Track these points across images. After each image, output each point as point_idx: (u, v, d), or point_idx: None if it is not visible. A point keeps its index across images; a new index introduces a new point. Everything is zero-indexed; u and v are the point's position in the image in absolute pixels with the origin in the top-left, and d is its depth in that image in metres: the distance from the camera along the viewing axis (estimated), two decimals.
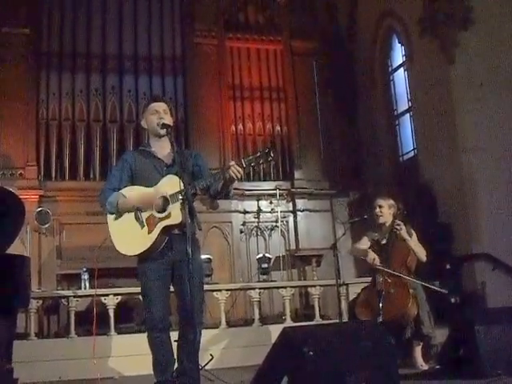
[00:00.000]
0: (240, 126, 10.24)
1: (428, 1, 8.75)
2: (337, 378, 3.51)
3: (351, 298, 6.72)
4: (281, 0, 10.83)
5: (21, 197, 5.17)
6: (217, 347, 6.33)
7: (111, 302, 6.58)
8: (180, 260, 3.67)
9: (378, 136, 10.71)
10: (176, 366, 3.85)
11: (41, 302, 6.71)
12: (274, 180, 10.06)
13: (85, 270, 7.03)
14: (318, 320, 7.20)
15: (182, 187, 3.57)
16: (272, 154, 3.71)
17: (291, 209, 10.06)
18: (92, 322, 5.30)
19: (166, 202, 3.70)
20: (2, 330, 4.36)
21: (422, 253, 5.29)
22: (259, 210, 9.52)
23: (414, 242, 5.28)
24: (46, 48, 9.46)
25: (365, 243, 5.50)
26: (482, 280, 8.03)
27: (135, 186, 3.86)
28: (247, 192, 9.79)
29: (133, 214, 3.77)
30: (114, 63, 9.70)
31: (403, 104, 10.40)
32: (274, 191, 9.44)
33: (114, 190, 3.85)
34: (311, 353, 3.43)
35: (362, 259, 5.36)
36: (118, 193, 3.81)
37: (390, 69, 10.84)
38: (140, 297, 4.04)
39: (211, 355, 5.23)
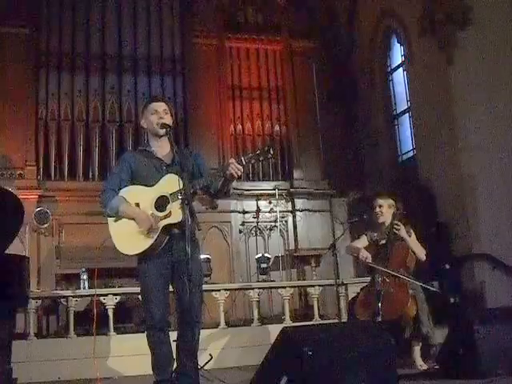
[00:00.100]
0: (239, 126, 10.25)
1: (427, 1, 8.75)
2: (336, 378, 3.51)
3: (350, 297, 6.71)
4: (280, 0, 10.84)
5: (20, 197, 5.15)
6: (216, 347, 6.34)
7: (110, 302, 6.57)
8: (180, 260, 3.67)
9: (377, 136, 10.71)
10: (175, 365, 3.85)
11: (40, 301, 6.70)
12: (273, 180, 10.07)
13: (84, 269, 7.02)
14: (317, 320, 7.19)
15: (182, 186, 3.57)
16: (271, 152, 3.71)
17: (290, 209, 10.07)
18: (91, 321, 5.29)
19: (166, 200, 3.70)
20: (1, 330, 4.35)
21: (421, 252, 5.29)
22: (258, 210, 9.52)
23: (413, 241, 5.28)
24: (46, 48, 9.46)
25: (363, 242, 5.51)
26: (482, 280, 8.03)
27: (135, 186, 3.86)
28: (246, 192, 9.79)
29: None
30: (114, 63, 9.71)
31: (402, 104, 10.41)
32: (273, 191, 9.44)
33: (114, 190, 3.85)
34: (310, 353, 3.42)
35: (355, 257, 5.36)
36: (120, 197, 3.81)
37: (389, 69, 10.84)
38: (139, 296, 4.03)
39: (210, 355, 5.25)
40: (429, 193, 9.00)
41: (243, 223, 9.86)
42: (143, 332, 3.92)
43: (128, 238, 3.76)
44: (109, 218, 3.85)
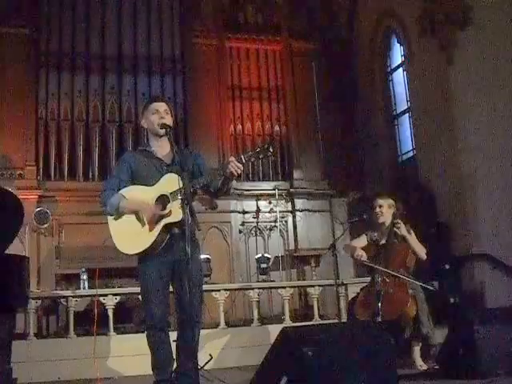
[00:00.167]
0: (239, 126, 10.24)
1: (427, 1, 8.75)
2: (336, 378, 3.51)
3: (350, 298, 6.71)
4: (280, 0, 10.83)
5: (20, 197, 5.15)
6: (216, 347, 6.34)
7: (110, 302, 6.57)
8: (180, 259, 3.67)
9: (377, 136, 10.71)
10: (175, 365, 3.85)
11: (40, 301, 6.69)
12: (273, 180, 10.07)
13: (83, 270, 7.02)
14: (316, 320, 7.19)
15: (182, 185, 3.57)
16: (271, 149, 3.71)
17: (290, 209, 10.07)
18: (91, 322, 5.30)
19: (166, 199, 3.70)
20: (1, 330, 4.35)
21: (421, 250, 5.29)
22: (258, 210, 9.52)
23: (413, 239, 5.29)
24: (46, 48, 9.45)
25: (362, 241, 5.51)
26: (482, 280, 8.03)
27: (135, 186, 3.87)
28: (246, 192, 9.79)
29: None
30: (114, 63, 9.70)
31: (402, 104, 10.41)
32: (273, 191, 9.44)
33: (114, 190, 3.86)
34: (310, 353, 3.42)
35: (350, 255, 5.37)
36: (119, 194, 3.82)
37: (389, 69, 10.84)
38: (139, 297, 4.03)
39: (210, 355, 5.25)
40: (429, 193, 9.00)
41: (243, 223, 9.86)
42: (143, 332, 3.92)
43: (128, 237, 3.76)
44: (109, 218, 3.85)
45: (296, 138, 10.41)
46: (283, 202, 9.80)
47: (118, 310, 6.69)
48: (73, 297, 6.61)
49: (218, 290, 7.02)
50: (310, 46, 10.85)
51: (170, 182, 3.70)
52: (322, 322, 7.12)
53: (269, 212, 9.64)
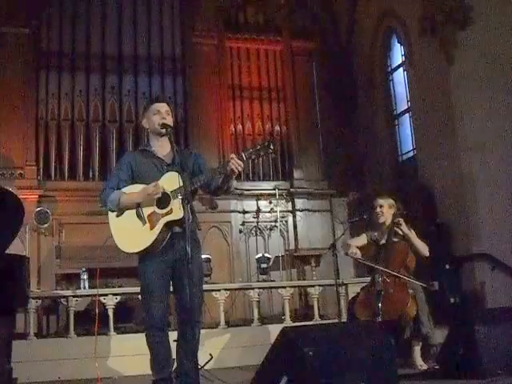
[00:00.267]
0: (239, 126, 10.24)
1: (428, 1, 8.75)
2: (336, 378, 3.51)
3: (350, 297, 6.71)
4: (280, 0, 10.83)
5: (20, 196, 5.15)
6: (216, 347, 6.33)
7: (110, 302, 6.57)
8: (181, 259, 3.67)
9: (378, 136, 10.71)
10: (175, 365, 3.85)
11: (40, 301, 6.69)
12: (274, 180, 10.07)
13: (84, 269, 7.02)
14: (317, 320, 7.19)
15: (182, 184, 3.58)
16: (272, 147, 3.72)
17: (290, 209, 10.07)
18: (91, 321, 5.30)
19: (167, 198, 3.71)
20: (1, 330, 4.35)
21: (424, 247, 5.30)
22: (258, 210, 9.52)
23: (415, 237, 5.30)
24: (46, 48, 9.46)
25: (362, 240, 5.53)
26: (482, 280, 8.02)
27: (136, 185, 3.88)
28: (246, 192, 9.79)
29: (134, 211, 3.79)
30: (114, 63, 9.71)
31: (403, 104, 10.41)
32: (274, 191, 9.44)
33: (114, 189, 3.87)
34: (310, 353, 3.43)
35: (345, 253, 5.37)
36: (120, 191, 3.83)
37: (389, 69, 10.84)
38: (139, 296, 4.03)
39: (210, 355, 5.24)
40: (429, 193, 8.99)
41: (243, 223, 9.86)
42: (143, 332, 3.92)
43: (129, 236, 3.77)
44: (110, 217, 3.86)
45: (296, 138, 10.42)
46: (283, 201, 9.81)
47: (118, 310, 6.70)
48: (73, 296, 6.61)
49: (219, 290, 7.02)
50: (311, 46, 10.86)
51: (171, 181, 3.70)
52: (322, 321, 7.12)
53: (269, 212, 9.65)
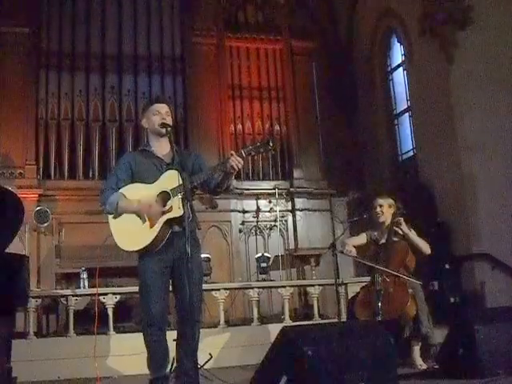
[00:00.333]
0: (239, 126, 10.23)
1: (427, 0, 8.75)
2: (335, 378, 3.51)
3: (350, 297, 6.71)
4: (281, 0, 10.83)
5: (20, 196, 5.15)
6: (216, 346, 6.33)
7: (110, 301, 6.57)
8: (180, 258, 3.68)
9: (377, 135, 10.72)
10: (175, 365, 3.85)
11: (40, 300, 6.69)
12: (273, 179, 10.06)
13: (83, 268, 7.02)
14: (316, 319, 7.19)
15: (181, 182, 3.59)
16: (271, 144, 3.73)
17: (290, 208, 10.06)
18: (91, 321, 5.29)
19: (167, 196, 3.71)
20: (1, 329, 4.35)
21: (425, 245, 5.30)
22: (258, 210, 9.51)
23: (415, 235, 5.30)
24: (46, 47, 9.45)
25: (362, 239, 5.54)
26: (482, 280, 8.03)
27: (136, 184, 3.88)
28: (246, 191, 9.78)
29: None
30: (114, 63, 9.69)
31: (402, 103, 10.42)
32: (273, 190, 9.42)
33: (114, 189, 3.87)
34: (310, 352, 3.42)
35: (339, 251, 5.38)
36: (119, 193, 3.83)
37: (389, 68, 10.85)
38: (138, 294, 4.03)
39: (210, 354, 5.24)
40: (429, 192, 9.00)
41: (243, 222, 9.85)
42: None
43: (129, 234, 3.77)
44: (109, 215, 3.86)
45: (296, 138, 10.40)
46: (283, 201, 9.80)
47: (117, 309, 6.70)
48: (73, 296, 6.62)
49: (218, 289, 7.02)
50: (311, 46, 10.83)
51: (171, 179, 3.71)
52: (321, 321, 7.12)
53: (269, 211, 9.64)
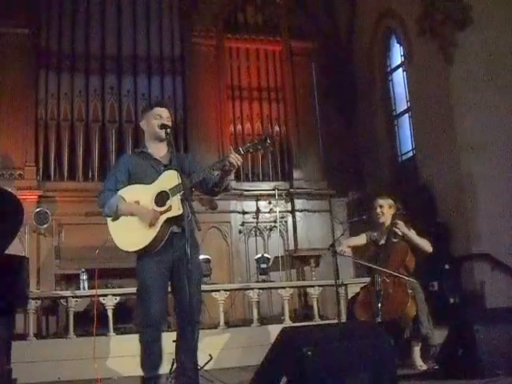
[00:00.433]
0: (239, 126, 10.22)
1: (427, 1, 8.75)
2: (335, 379, 3.51)
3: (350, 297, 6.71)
4: (280, 0, 10.83)
5: (19, 197, 5.15)
6: (215, 347, 6.32)
7: (110, 303, 6.57)
8: (179, 259, 3.69)
9: (377, 136, 10.72)
10: (175, 366, 3.85)
11: (39, 302, 6.69)
12: (273, 180, 10.05)
13: (83, 270, 7.02)
14: (316, 320, 7.19)
15: (180, 181, 3.60)
16: (269, 141, 3.75)
17: (290, 209, 10.05)
18: (90, 322, 5.29)
19: (165, 196, 3.72)
20: (1, 331, 4.35)
21: (425, 244, 5.30)
22: (258, 211, 9.52)
23: (415, 235, 5.30)
24: (45, 48, 9.44)
25: (361, 239, 5.54)
26: (482, 280, 8.03)
27: (134, 185, 3.89)
28: (246, 192, 9.78)
29: None
30: (113, 64, 9.68)
31: (402, 104, 10.42)
32: (273, 191, 9.42)
33: (113, 190, 3.88)
34: (310, 353, 3.42)
35: (334, 251, 5.38)
36: (118, 196, 3.84)
37: (388, 69, 10.85)
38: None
39: (210, 355, 5.24)
40: (429, 193, 9.00)
41: (243, 223, 9.84)
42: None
43: (128, 235, 3.77)
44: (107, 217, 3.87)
45: (296, 138, 10.40)
46: (283, 202, 9.79)
47: (117, 311, 6.69)
48: (73, 297, 6.62)
49: (218, 290, 7.02)
50: (310, 46, 10.83)
51: (169, 179, 3.73)
52: (321, 322, 7.12)
53: (268, 212, 9.64)
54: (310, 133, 10.55)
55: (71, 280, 7.82)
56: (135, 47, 9.87)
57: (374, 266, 5.17)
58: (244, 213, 9.83)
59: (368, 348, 3.72)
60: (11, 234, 4.65)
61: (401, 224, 5.27)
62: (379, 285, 5.07)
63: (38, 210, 8.40)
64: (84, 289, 6.93)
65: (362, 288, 5.62)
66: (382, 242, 5.37)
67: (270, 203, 9.57)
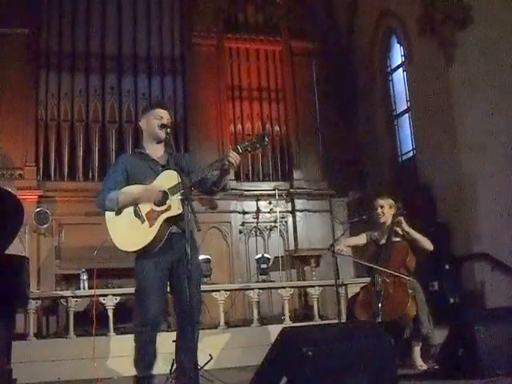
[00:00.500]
0: (239, 126, 10.23)
1: (427, 0, 8.74)
2: (336, 379, 3.50)
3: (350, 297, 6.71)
4: (280, 0, 10.83)
5: (20, 197, 5.16)
6: (216, 347, 6.32)
7: (110, 303, 6.57)
8: (179, 259, 3.69)
9: (377, 136, 10.71)
10: (175, 366, 3.85)
11: (39, 302, 6.69)
12: (273, 180, 10.06)
13: (83, 270, 7.02)
14: (317, 320, 7.19)
15: (180, 180, 3.60)
16: (267, 139, 3.77)
17: (290, 209, 10.06)
18: (90, 322, 5.29)
19: (165, 195, 3.72)
20: (1, 331, 4.35)
21: (427, 242, 5.30)
22: (258, 211, 9.52)
23: (416, 233, 5.30)
24: (45, 48, 9.45)
25: (361, 239, 5.54)
26: (482, 280, 8.02)
27: (135, 185, 3.88)
28: (246, 192, 9.79)
29: (132, 210, 3.80)
30: (113, 63, 9.70)
31: (402, 104, 10.40)
32: (273, 191, 9.43)
33: (112, 190, 3.88)
34: (310, 353, 3.42)
35: (332, 250, 5.38)
36: (118, 190, 3.84)
37: (389, 69, 10.84)
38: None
39: (210, 355, 5.24)
40: (429, 193, 8.99)
41: (243, 223, 9.85)
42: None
43: (127, 235, 3.77)
44: (107, 216, 3.86)
45: (296, 138, 10.41)
46: (283, 202, 9.79)
47: (117, 311, 6.69)
48: (73, 297, 6.61)
49: (218, 291, 7.02)
50: (310, 46, 10.84)
51: (168, 179, 3.74)
52: (322, 322, 7.11)
53: (269, 212, 9.64)
54: (311, 132, 10.56)
55: (71, 280, 7.83)
56: (135, 47, 9.88)
57: (375, 266, 5.18)
58: (244, 213, 9.84)
59: (368, 348, 3.72)
60: (11, 234, 4.65)
61: (403, 221, 5.27)
62: (379, 285, 5.07)
63: (38, 209, 8.41)
64: (84, 289, 6.93)
65: (362, 288, 5.61)
66: (383, 241, 5.37)
67: (270, 203, 9.57)
